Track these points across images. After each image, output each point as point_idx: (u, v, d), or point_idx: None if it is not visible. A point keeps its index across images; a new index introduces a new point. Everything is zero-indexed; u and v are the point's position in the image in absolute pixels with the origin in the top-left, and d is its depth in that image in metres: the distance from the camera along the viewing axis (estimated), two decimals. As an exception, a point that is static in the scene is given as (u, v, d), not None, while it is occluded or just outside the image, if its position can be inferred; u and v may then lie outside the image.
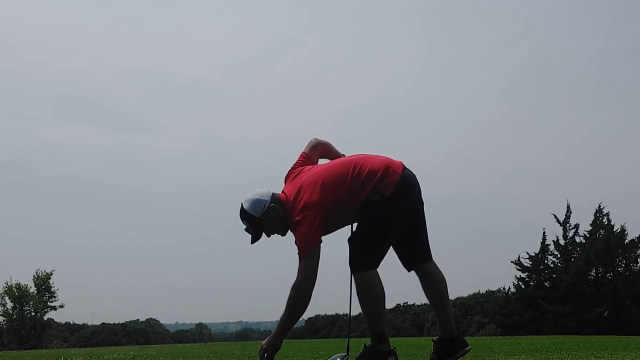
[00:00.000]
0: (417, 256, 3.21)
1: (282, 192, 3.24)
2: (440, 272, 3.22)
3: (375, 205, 3.03)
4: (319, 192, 3.03)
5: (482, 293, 41.49)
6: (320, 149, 3.46)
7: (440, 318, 3.21)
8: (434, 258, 3.24)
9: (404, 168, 3.14)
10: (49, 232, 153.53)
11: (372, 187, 3.03)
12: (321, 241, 3.02)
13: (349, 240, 3.13)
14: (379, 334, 3.05)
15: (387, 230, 3.07)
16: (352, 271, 3.07)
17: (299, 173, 3.26)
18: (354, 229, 3.20)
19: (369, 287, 3.00)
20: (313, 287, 2.98)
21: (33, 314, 34.64)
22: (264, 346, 3.03)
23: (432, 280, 3.21)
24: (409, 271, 3.25)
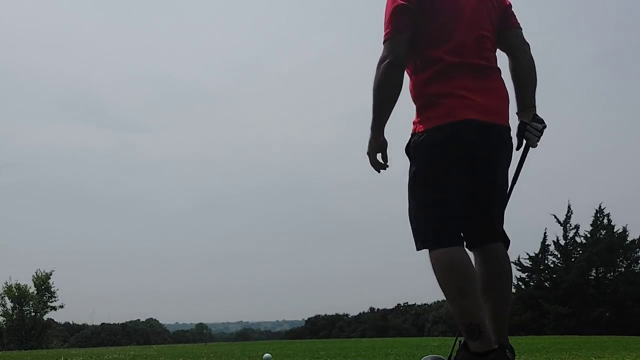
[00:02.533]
0: (477, 234, 2.39)
1: None
2: (503, 260, 2.39)
3: (408, 149, 2.40)
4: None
5: (483, 293, 41.40)
6: None
7: (488, 316, 2.30)
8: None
9: (489, 125, 2.29)
10: (49, 232, 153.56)
11: (420, 83, 2.36)
12: (408, 30, 2.31)
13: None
14: (468, 326, 2.17)
15: (436, 185, 2.29)
16: (419, 249, 2.35)
17: None
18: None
19: (443, 268, 2.24)
20: (400, 64, 2.30)
21: (33, 314, 34.64)
22: (367, 153, 2.42)
23: (485, 268, 2.38)
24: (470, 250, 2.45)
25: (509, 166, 2.42)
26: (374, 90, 2.32)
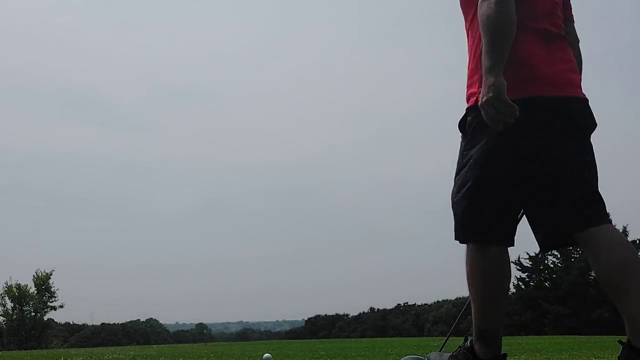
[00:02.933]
0: (566, 224, 1.95)
1: None
2: (613, 239, 1.90)
3: (463, 125, 2.06)
4: None
5: (483, 293, 41.41)
6: None
7: (623, 313, 1.83)
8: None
9: (574, 99, 1.98)
10: (49, 232, 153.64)
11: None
12: None
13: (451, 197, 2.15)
14: (482, 332, 2.08)
15: (493, 171, 1.98)
16: (456, 239, 2.12)
17: None
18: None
19: (474, 269, 2.06)
20: None
21: (33, 314, 34.67)
22: (488, 100, 1.85)
23: (597, 252, 1.90)
24: (547, 249, 2.18)
25: (589, 140, 2.04)
26: (488, 26, 1.91)
